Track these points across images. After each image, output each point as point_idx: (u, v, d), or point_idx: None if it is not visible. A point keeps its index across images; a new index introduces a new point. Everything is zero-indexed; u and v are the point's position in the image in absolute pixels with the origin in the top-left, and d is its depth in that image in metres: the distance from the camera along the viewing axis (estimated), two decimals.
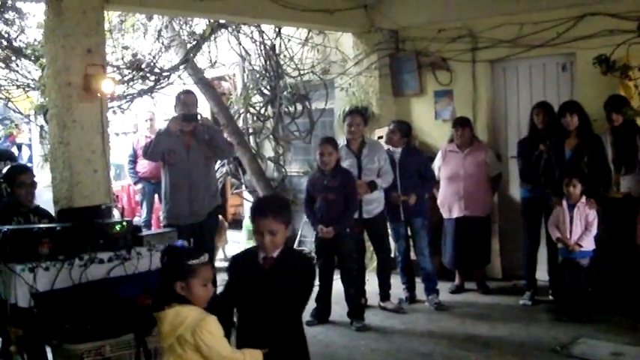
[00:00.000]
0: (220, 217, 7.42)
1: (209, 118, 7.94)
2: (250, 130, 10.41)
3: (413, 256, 7.52)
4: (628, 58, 6.77)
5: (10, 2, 8.08)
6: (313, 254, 7.14)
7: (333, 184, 6.62)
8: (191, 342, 3.16)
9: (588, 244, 6.52)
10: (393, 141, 7.40)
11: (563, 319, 6.53)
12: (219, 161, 9.33)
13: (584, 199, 6.52)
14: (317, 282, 6.81)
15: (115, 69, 8.40)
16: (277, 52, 9.67)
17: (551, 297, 7.12)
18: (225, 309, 3.63)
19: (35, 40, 8.03)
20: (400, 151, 7.31)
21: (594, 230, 6.51)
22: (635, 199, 6.58)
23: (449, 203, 7.63)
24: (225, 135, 9.18)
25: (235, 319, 3.87)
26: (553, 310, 6.83)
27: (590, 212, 6.50)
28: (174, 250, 3.46)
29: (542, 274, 7.35)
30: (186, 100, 6.65)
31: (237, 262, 3.91)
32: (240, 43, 9.76)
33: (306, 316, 6.73)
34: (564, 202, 6.58)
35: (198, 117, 6.63)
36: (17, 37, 8.21)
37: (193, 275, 3.24)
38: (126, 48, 8.70)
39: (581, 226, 6.51)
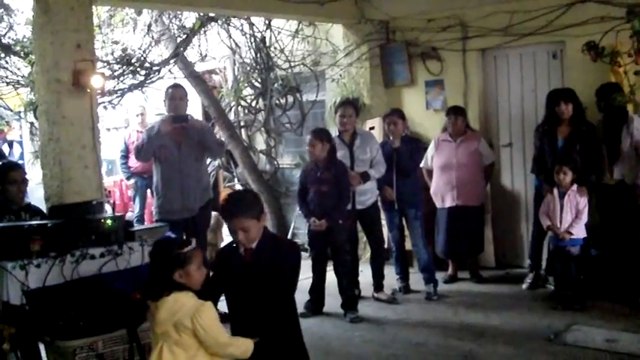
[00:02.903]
0: (216, 213, 7.35)
1: (200, 115, 7.91)
2: (242, 123, 10.41)
3: (407, 246, 7.53)
4: (617, 44, 6.77)
5: None
6: (306, 246, 7.14)
7: (326, 176, 6.60)
8: (189, 327, 3.31)
9: (578, 232, 6.53)
10: (398, 129, 7.29)
11: (556, 307, 6.53)
12: None
13: (575, 187, 6.52)
14: (310, 274, 6.85)
15: (105, 64, 8.39)
16: (268, 44, 9.67)
17: (552, 287, 7.08)
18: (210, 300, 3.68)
19: (24, 36, 8.01)
20: (400, 140, 7.27)
21: (585, 218, 6.52)
22: (628, 185, 6.58)
23: (442, 193, 7.63)
24: (217, 129, 9.17)
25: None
26: (547, 299, 6.83)
27: (581, 200, 6.51)
28: (168, 242, 3.69)
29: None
30: (174, 94, 6.60)
31: (223, 255, 4.06)
32: (230, 36, 9.76)
33: (300, 308, 6.70)
34: (555, 190, 6.59)
35: (188, 118, 6.61)
36: (6, 34, 8.21)
37: (190, 262, 3.42)
38: (115, 43, 8.68)
39: (571, 214, 6.52)
